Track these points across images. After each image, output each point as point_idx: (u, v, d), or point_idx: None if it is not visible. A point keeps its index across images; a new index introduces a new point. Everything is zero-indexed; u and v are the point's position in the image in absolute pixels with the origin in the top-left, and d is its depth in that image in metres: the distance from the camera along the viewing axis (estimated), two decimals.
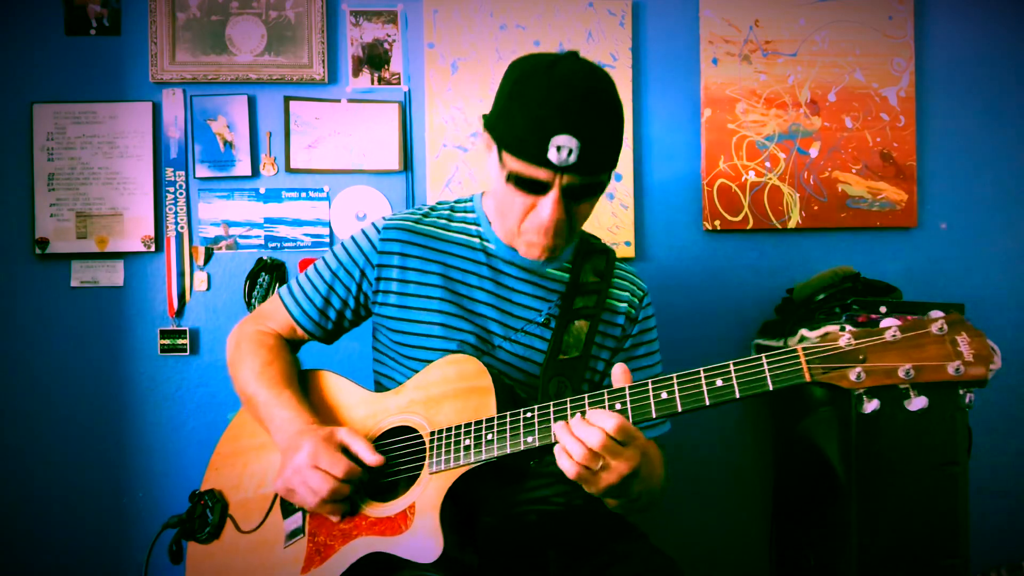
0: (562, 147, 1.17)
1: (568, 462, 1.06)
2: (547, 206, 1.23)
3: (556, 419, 1.11)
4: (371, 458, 1.20)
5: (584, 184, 1.23)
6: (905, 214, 2.20)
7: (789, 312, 1.99)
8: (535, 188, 1.23)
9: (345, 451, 1.22)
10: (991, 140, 2.26)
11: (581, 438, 1.04)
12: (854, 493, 1.74)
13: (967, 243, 2.25)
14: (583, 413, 1.07)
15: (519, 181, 1.23)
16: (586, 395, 1.11)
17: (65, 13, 2.00)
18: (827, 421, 1.82)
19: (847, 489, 1.75)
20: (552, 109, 1.17)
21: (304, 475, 1.19)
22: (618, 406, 1.08)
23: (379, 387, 1.47)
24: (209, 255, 2.03)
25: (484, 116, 1.32)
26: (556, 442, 1.08)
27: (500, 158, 1.25)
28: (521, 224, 1.28)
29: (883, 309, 1.80)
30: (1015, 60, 2.27)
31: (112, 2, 2.01)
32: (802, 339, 1.88)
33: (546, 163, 1.18)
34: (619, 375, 1.10)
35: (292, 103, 2.04)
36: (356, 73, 2.06)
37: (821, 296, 1.89)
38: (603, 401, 1.09)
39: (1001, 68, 2.27)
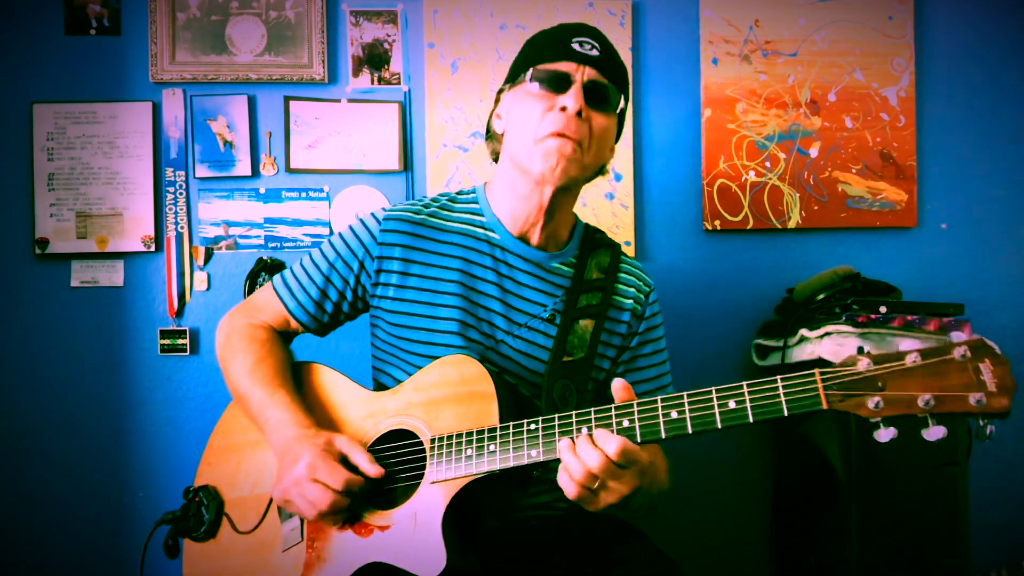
0: (584, 42, 1.33)
1: (568, 481, 1.05)
2: (571, 95, 1.30)
3: (561, 433, 1.08)
4: (372, 470, 1.18)
5: (602, 86, 1.32)
6: (905, 214, 2.20)
7: (789, 312, 1.99)
8: (558, 84, 1.31)
9: (344, 461, 1.19)
10: (991, 140, 2.26)
11: (583, 459, 1.03)
12: (854, 494, 1.73)
13: (967, 243, 2.25)
14: (590, 430, 1.05)
15: (543, 80, 1.31)
16: (592, 410, 1.08)
17: (65, 13, 2.00)
18: (827, 421, 1.82)
19: (847, 490, 1.75)
20: (573, 24, 1.41)
21: (303, 488, 1.16)
22: (626, 423, 1.05)
23: (378, 385, 1.44)
24: (209, 255, 2.03)
25: (499, 91, 1.44)
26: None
27: (525, 76, 1.34)
28: (539, 128, 1.30)
29: (883, 309, 1.80)
30: (1015, 60, 2.27)
31: (112, 2, 2.01)
32: (802, 339, 1.87)
33: (570, 54, 1.31)
34: (619, 390, 1.08)
35: (292, 103, 2.04)
36: (356, 73, 2.06)
37: (821, 296, 1.89)
38: (610, 417, 1.06)
39: (1001, 68, 2.26)
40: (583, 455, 1.03)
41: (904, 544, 1.73)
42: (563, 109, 1.29)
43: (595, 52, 1.32)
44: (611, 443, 1.02)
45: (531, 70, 1.33)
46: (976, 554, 1.90)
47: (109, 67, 2.01)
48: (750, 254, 2.18)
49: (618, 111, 1.37)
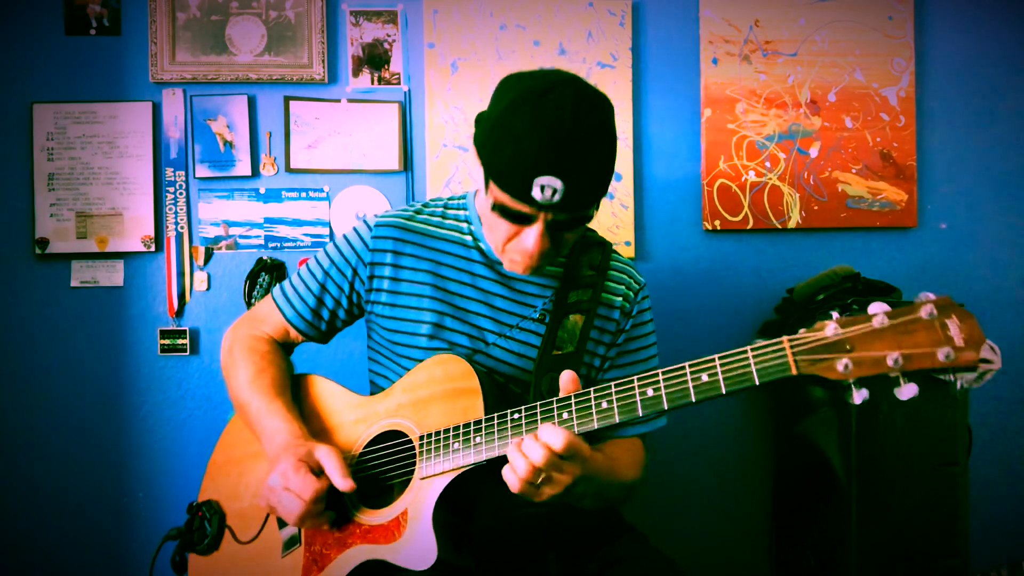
0: (546, 187, 1.14)
1: (512, 477, 1.07)
2: (531, 237, 1.21)
3: (543, 419, 1.11)
4: (343, 484, 1.18)
5: (570, 219, 1.21)
6: (905, 214, 2.20)
7: (789, 312, 1.99)
8: (519, 219, 1.21)
9: (322, 471, 1.21)
10: (991, 140, 2.26)
11: (528, 455, 1.05)
12: (854, 493, 1.74)
13: (967, 243, 2.25)
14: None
15: (504, 211, 1.21)
16: (572, 395, 1.11)
17: (65, 13, 2.00)
18: (827, 421, 1.82)
19: (847, 489, 1.75)
20: (536, 148, 1.13)
21: (279, 496, 1.19)
22: (604, 404, 1.07)
23: (374, 387, 1.46)
24: (209, 255, 2.03)
25: (477, 120, 1.27)
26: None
27: (487, 183, 1.23)
28: (505, 245, 1.27)
29: None
30: (1015, 60, 2.27)
31: (112, 2, 2.01)
32: None
33: (530, 200, 1.16)
34: (567, 382, 1.11)
35: (292, 103, 2.04)
36: (356, 73, 2.06)
37: (821, 296, 1.89)
38: (589, 400, 1.09)
39: (1001, 68, 2.27)
40: (528, 451, 1.05)
41: (904, 544, 1.73)
42: (523, 243, 1.23)
43: (556, 197, 1.14)
44: (557, 438, 1.04)
45: (493, 194, 1.20)
46: (976, 554, 1.90)
47: (109, 67, 2.01)
48: (750, 254, 2.18)
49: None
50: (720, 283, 2.17)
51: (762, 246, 2.18)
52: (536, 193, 1.14)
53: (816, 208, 2.18)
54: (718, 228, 2.15)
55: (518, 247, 1.25)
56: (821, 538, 1.86)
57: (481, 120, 1.24)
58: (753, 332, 2.14)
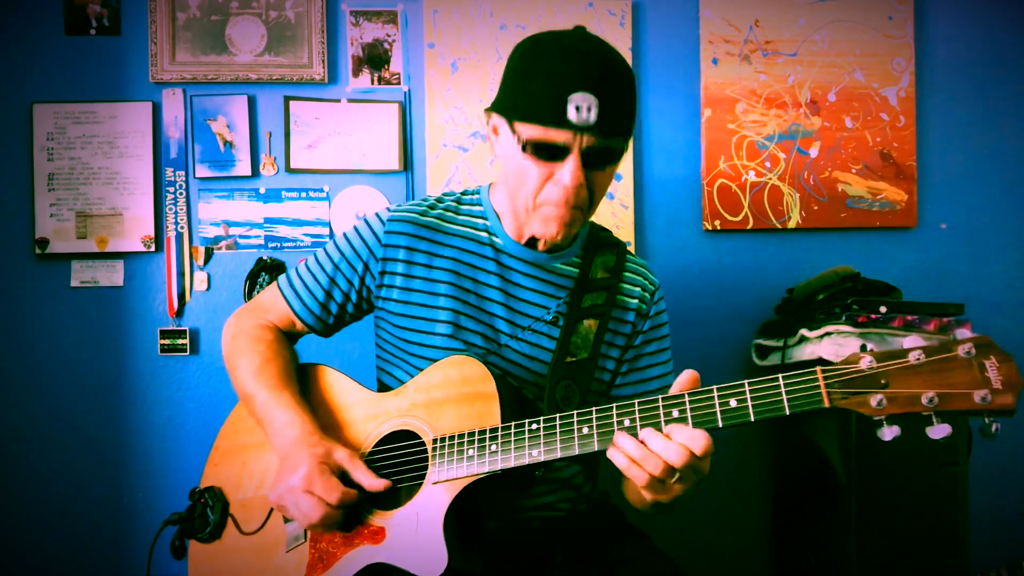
0: (580, 105, 1.16)
1: (639, 472, 1.03)
2: (567, 171, 1.20)
3: (563, 431, 1.08)
4: (377, 484, 1.17)
5: (602, 147, 1.21)
6: (905, 214, 2.20)
7: (789, 312, 1.99)
8: (553, 153, 1.20)
9: (343, 474, 1.19)
10: (991, 140, 2.26)
11: (662, 454, 1.01)
12: (854, 493, 1.74)
13: (967, 243, 2.25)
14: (656, 427, 1.03)
15: (536, 148, 1.20)
16: (593, 409, 1.08)
17: (65, 13, 2.00)
18: (827, 422, 1.82)
19: (847, 489, 1.75)
20: (568, 69, 1.17)
21: (297, 497, 1.15)
22: (627, 422, 1.04)
23: (381, 385, 1.44)
24: (209, 255, 2.03)
25: (486, 109, 1.31)
26: (606, 449, 1.05)
27: (513, 131, 1.22)
28: (537, 197, 1.25)
29: (883, 309, 1.80)
30: (1015, 60, 2.27)
31: (112, 2, 2.01)
32: (802, 339, 1.88)
33: (565, 123, 1.16)
34: (687, 380, 1.05)
35: (292, 103, 2.04)
36: (356, 73, 2.06)
37: (821, 296, 1.89)
38: (611, 416, 1.06)
39: (1001, 68, 2.26)
40: (663, 451, 1.01)
41: (904, 544, 1.73)
42: (559, 180, 1.22)
43: (592, 116, 1.15)
44: (698, 440, 1.00)
45: (522, 134, 1.20)
46: (976, 554, 1.90)
47: (109, 67, 2.01)
48: (750, 254, 2.18)
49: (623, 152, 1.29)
50: (720, 283, 2.17)
51: (762, 246, 2.18)
52: (571, 113, 1.16)
53: (816, 208, 2.18)
54: (718, 228, 2.15)
55: (552, 193, 1.23)
56: (821, 538, 1.86)
57: (502, 82, 1.28)
58: (753, 332, 2.14)
